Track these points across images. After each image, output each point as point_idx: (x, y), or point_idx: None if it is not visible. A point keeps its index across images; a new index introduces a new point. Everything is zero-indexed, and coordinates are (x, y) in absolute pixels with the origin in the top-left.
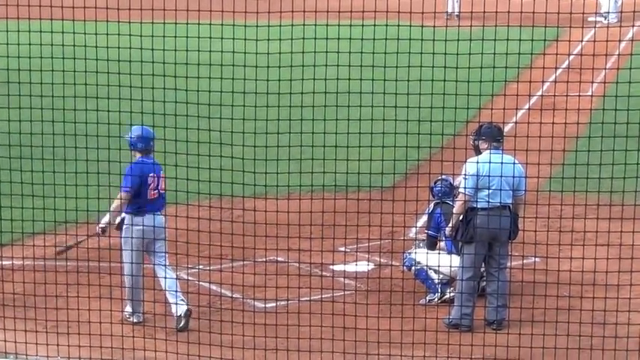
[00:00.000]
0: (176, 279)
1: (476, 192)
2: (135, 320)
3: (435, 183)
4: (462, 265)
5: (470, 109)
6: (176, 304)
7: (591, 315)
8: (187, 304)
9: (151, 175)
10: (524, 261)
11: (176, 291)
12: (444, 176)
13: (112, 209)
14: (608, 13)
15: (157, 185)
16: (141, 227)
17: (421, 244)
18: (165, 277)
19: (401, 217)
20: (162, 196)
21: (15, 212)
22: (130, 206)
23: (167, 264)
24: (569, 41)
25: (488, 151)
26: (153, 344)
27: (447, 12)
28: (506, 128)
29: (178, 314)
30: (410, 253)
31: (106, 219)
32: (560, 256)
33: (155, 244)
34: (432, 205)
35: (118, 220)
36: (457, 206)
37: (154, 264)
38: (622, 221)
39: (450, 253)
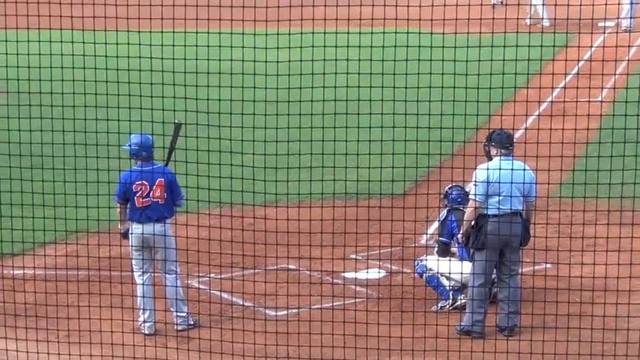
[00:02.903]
0: (175, 287)
1: (486, 199)
2: (146, 332)
3: (450, 189)
4: (474, 272)
5: (480, 115)
6: (176, 315)
7: (603, 321)
8: (187, 323)
9: (138, 182)
10: (536, 267)
11: (175, 298)
12: (454, 184)
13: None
14: (631, 18)
15: (148, 193)
16: (134, 235)
17: (434, 251)
18: (165, 286)
19: (412, 225)
20: (159, 204)
21: (26, 222)
22: (128, 214)
23: (168, 273)
24: (579, 47)
25: (498, 157)
26: (165, 353)
27: (493, 4)
28: (517, 134)
29: (175, 328)
30: (422, 260)
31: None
32: (571, 262)
33: (155, 252)
34: (444, 212)
35: (122, 227)
36: (467, 213)
37: (161, 272)
38: (633, 227)
39: (461, 259)
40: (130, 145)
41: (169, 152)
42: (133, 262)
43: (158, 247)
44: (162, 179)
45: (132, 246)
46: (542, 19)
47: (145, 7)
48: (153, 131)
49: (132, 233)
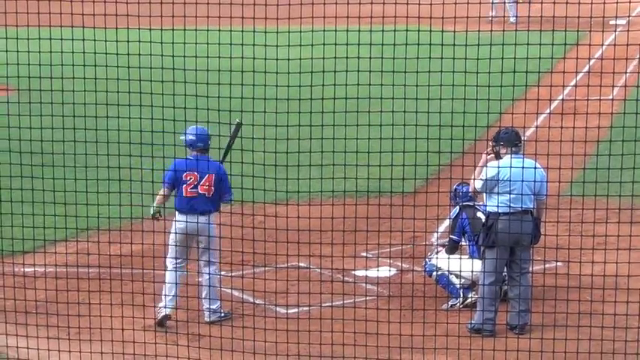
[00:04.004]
0: (208, 286)
1: (495, 196)
2: (162, 313)
3: (460, 186)
4: (484, 270)
5: (491, 113)
6: (208, 308)
7: (614, 319)
8: (210, 318)
9: (189, 172)
10: (546, 265)
11: (206, 297)
12: (463, 181)
13: (155, 199)
14: None
15: (197, 185)
16: (176, 224)
17: (439, 249)
18: (199, 285)
19: (422, 223)
20: (206, 197)
21: (37, 219)
22: (174, 202)
23: (207, 266)
24: (590, 45)
25: (508, 155)
26: (175, 350)
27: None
28: (528, 133)
29: (206, 320)
30: (430, 259)
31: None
32: (582, 260)
33: (196, 244)
34: (456, 209)
35: (154, 208)
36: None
37: (200, 264)
38: None
39: (471, 257)
40: (186, 135)
41: (226, 150)
42: (169, 250)
43: (201, 239)
44: (213, 174)
45: (172, 232)
46: (508, 16)
47: (155, 5)
48: (164, 128)
49: (175, 220)
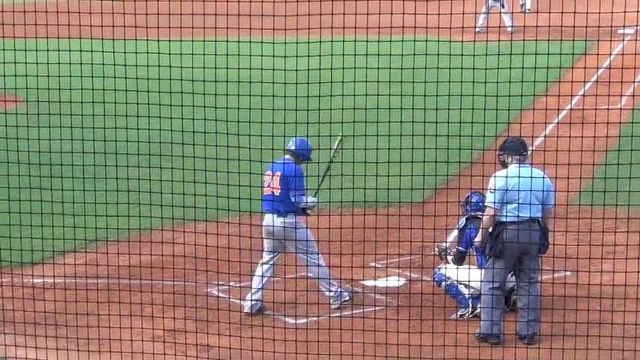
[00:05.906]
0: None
1: (504, 206)
2: (245, 310)
3: (472, 194)
4: (492, 280)
5: (499, 123)
6: (328, 295)
7: (623, 329)
8: (340, 300)
9: (267, 172)
10: (555, 275)
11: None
12: (474, 191)
13: None
14: None
15: (269, 184)
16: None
17: (449, 259)
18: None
19: (431, 232)
20: (275, 196)
21: (46, 231)
22: None
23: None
24: (598, 54)
25: (514, 164)
26: None
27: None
28: (536, 142)
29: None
30: (439, 269)
31: None
32: (590, 269)
33: (274, 244)
34: (463, 220)
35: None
36: (485, 220)
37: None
38: None
39: (480, 267)
40: (297, 148)
41: (329, 163)
42: (263, 252)
43: (275, 240)
44: (280, 172)
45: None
46: (510, 26)
47: (164, 16)
48: (172, 139)
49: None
